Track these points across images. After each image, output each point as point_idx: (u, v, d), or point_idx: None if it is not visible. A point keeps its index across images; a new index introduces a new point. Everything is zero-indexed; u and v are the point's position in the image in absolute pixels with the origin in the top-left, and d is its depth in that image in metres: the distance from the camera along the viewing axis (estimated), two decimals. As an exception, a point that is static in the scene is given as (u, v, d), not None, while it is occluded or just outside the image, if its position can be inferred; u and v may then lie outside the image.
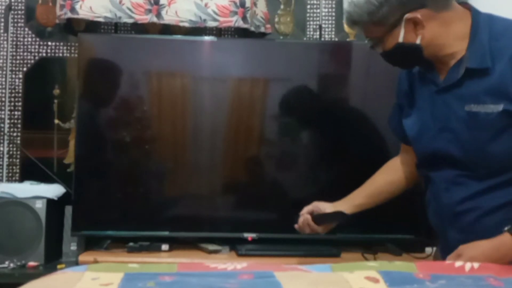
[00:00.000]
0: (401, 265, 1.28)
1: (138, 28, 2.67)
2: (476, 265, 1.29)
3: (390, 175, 1.83)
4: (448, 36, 1.49)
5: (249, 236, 2.45)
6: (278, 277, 1.16)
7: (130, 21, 2.57)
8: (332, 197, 2.56)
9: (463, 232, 1.51)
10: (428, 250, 2.40)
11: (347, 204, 1.82)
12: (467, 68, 1.46)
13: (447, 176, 1.55)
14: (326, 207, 1.83)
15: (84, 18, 2.54)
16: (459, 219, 1.53)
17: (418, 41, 1.49)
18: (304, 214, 1.84)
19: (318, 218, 1.82)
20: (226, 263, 1.25)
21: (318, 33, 2.76)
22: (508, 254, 1.37)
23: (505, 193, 1.47)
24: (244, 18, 2.56)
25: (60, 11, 2.57)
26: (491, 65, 1.44)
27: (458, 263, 1.30)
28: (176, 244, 2.47)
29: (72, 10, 2.52)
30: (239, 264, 1.25)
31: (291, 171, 2.58)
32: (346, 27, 2.76)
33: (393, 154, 2.59)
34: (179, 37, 2.63)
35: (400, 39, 1.49)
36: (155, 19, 2.56)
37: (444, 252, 1.59)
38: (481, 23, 1.51)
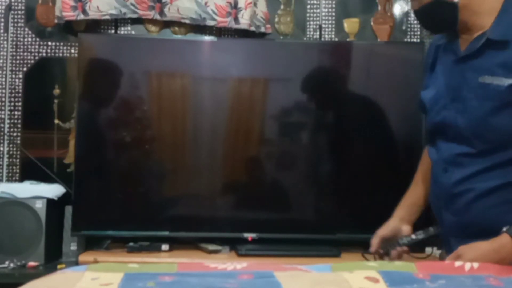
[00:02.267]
0: (401, 265, 1.28)
1: (138, 28, 2.68)
2: (475, 265, 1.29)
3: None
4: (482, 4, 1.51)
5: (249, 236, 2.45)
6: (278, 277, 1.16)
7: (135, 16, 2.60)
8: (332, 197, 2.57)
9: (456, 214, 1.54)
10: (428, 250, 2.40)
11: (408, 221, 1.77)
12: (488, 39, 1.48)
13: (447, 156, 1.56)
14: (406, 229, 1.74)
15: (93, 18, 2.58)
16: (455, 201, 1.54)
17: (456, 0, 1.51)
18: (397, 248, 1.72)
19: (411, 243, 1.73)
20: (226, 263, 1.25)
21: (318, 33, 2.76)
22: (507, 256, 1.37)
23: (501, 175, 1.48)
24: (235, 19, 2.57)
25: (66, 12, 2.58)
26: (510, 39, 1.46)
27: (457, 263, 1.29)
28: (176, 244, 2.47)
29: (84, 12, 2.56)
30: (239, 264, 1.24)
31: (291, 171, 2.58)
32: (346, 27, 2.77)
33: (394, 153, 2.61)
34: (179, 37, 2.64)
35: None
36: (158, 16, 2.59)
37: (443, 236, 1.63)
38: None
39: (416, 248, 2.42)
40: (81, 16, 2.57)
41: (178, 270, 1.22)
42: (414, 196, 1.78)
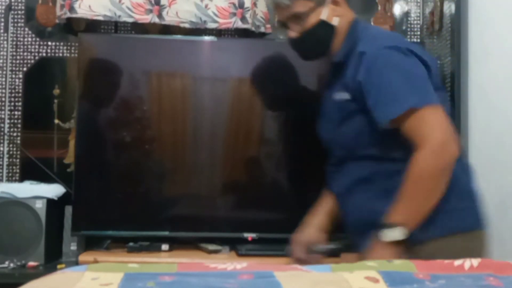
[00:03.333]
0: (401, 265, 1.28)
1: (138, 28, 2.67)
2: (475, 263, 1.29)
3: None
4: (341, 29, 1.70)
5: (249, 236, 2.45)
6: (278, 277, 1.16)
7: (130, 20, 2.57)
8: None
9: (348, 214, 1.74)
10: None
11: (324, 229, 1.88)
12: (333, 63, 1.70)
13: (333, 162, 1.79)
14: (321, 237, 1.86)
15: (83, 17, 2.54)
16: (343, 202, 1.76)
17: (335, 23, 1.69)
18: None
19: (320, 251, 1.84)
20: (226, 263, 1.25)
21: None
22: (384, 255, 1.48)
23: (363, 172, 1.66)
24: (243, 19, 2.56)
25: (60, 11, 2.57)
26: (346, 60, 1.65)
27: (457, 262, 1.30)
28: (176, 244, 2.47)
29: (71, 9, 2.52)
30: (239, 264, 1.25)
31: (291, 171, 2.58)
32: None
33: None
34: (179, 37, 2.63)
35: (323, 17, 1.67)
36: (156, 19, 2.57)
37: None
38: (358, 26, 1.74)
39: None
40: (68, 14, 2.53)
41: (178, 270, 1.22)
42: (329, 203, 1.86)
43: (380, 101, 1.56)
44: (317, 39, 1.68)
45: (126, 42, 2.63)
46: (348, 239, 1.79)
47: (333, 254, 1.91)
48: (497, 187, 2.14)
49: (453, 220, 1.58)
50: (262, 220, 2.50)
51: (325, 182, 2.58)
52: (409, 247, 1.52)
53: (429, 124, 1.53)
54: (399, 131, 1.56)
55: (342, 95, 1.65)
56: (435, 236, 1.56)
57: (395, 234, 1.52)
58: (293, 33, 1.69)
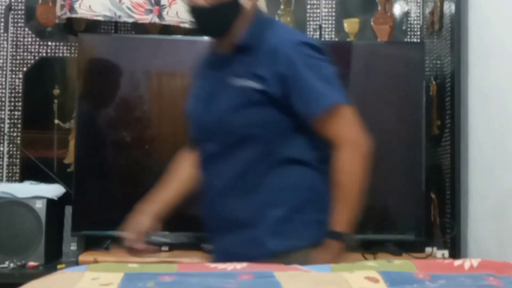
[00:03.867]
0: (401, 265, 1.28)
1: (138, 28, 2.67)
2: (475, 263, 1.29)
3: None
4: (246, 14, 1.60)
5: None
6: (278, 277, 1.16)
7: (130, 20, 2.57)
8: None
9: (219, 211, 1.62)
10: (428, 250, 2.41)
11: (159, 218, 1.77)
12: (237, 45, 1.59)
13: (205, 155, 1.64)
14: (156, 227, 1.74)
15: (83, 17, 2.55)
16: (209, 197, 1.64)
17: (246, 5, 1.58)
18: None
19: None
20: (226, 263, 1.25)
21: (318, 33, 2.76)
22: (337, 255, 1.49)
23: (237, 167, 1.58)
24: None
25: (60, 11, 2.57)
26: (254, 45, 1.57)
27: (457, 262, 1.30)
28: (176, 244, 2.46)
29: (71, 9, 2.52)
30: (239, 264, 1.24)
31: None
32: (346, 27, 2.77)
33: (393, 153, 2.61)
34: (179, 37, 2.63)
35: None
36: (156, 20, 2.57)
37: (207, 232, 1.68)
38: (261, 15, 1.67)
39: (416, 248, 2.44)
40: (68, 14, 2.53)
41: (178, 270, 1.22)
42: (169, 194, 1.79)
43: (310, 96, 1.54)
44: (225, 14, 1.59)
45: (126, 42, 2.63)
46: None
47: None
48: (497, 187, 2.14)
49: (314, 232, 1.56)
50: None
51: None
52: (268, 259, 1.40)
53: (348, 123, 1.56)
54: (307, 130, 1.56)
55: (249, 83, 1.56)
56: (296, 248, 1.53)
57: (345, 241, 1.53)
58: (202, 1, 1.57)
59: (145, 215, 1.73)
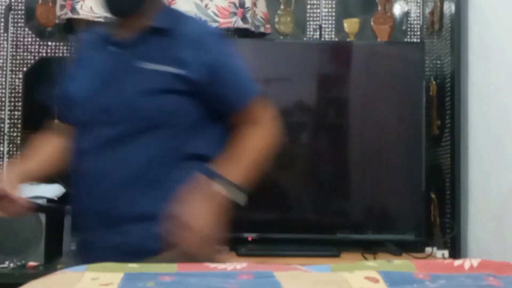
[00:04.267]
0: (400, 265, 1.28)
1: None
2: (475, 263, 1.29)
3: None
4: None
5: (249, 236, 2.45)
6: (278, 277, 1.16)
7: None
8: (331, 197, 2.57)
9: (104, 201, 1.48)
10: (428, 250, 2.41)
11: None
12: (153, 27, 1.53)
13: (99, 142, 1.49)
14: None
15: (85, 18, 2.55)
16: (101, 186, 1.48)
17: None
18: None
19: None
20: (226, 263, 1.25)
21: (318, 33, 2.77)
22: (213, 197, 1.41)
23: (140, 158, 1.47)
24: (243, 18, 2.56)
25: (60, 11, 2.57)
26: (172, 30, 1.52)
27: (457, 262, 1.30)
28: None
29: (73, 10, 2.53)
30: (239, 264, 1.24)
31: (291, 171, 2.58)
32: (346, 27, 2.77)
33: (393, 153, 2.61)
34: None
35: None
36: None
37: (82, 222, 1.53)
38: (168, 5, 1.65)
39: (416, 248, 2.44)
40: (69, 15, 2.53)
41: (178, 270, 1.22)
42: (34, 164, 1.67)
43: (239, 85, 1.55)
44: None
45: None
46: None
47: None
48: (497, 187, 2.14)
49: None
50: (262, 220, 2.50)
51: (325, 182, 2.60)
52: (146, 257, 1.35)
53: (268, 111, 1.60)
54: (215, 125, 1.55)
55: (167, 68, 1.49)
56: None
57: (237, 194, 1.47)
58: None
59: (15, 174, 1.58)
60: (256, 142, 1.55)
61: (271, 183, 2.59)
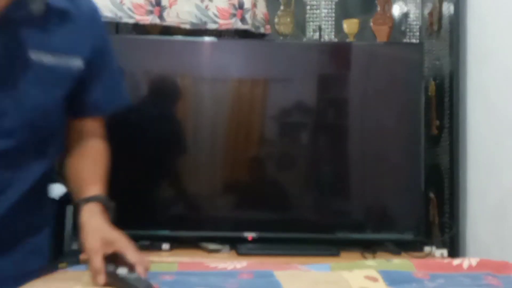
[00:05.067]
0: (400, 264, 1.29)
1: (139, 29, 2.68)
2: (474, 262, 1.30)
3: None
4: None
5: (250, 235, 2.45)
6: (278, 277, 1.17)
7: (131, 21, 2.57)
8: (331, 197, 2.58)
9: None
10: (427, 249, 2.42)
11: None
12: (50, 7, 1.15)
13: None
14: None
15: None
16: None
17: None
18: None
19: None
20: (226, 262, 1.26)
21: (318, 33, 2.77)
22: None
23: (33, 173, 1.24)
24: (242, 19, 2.57)
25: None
26: (70, 11, 1.18)
27: (456, 261, 1.31)
28: (177, 244, 2.47)
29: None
30: (239, 264, 1.26)
31: (291, 171, 2.59)
32: (345, 28, 2.78)
33: (392, 153, 2.62)
34: (179, 37, 2.64)
35: None
36: (157, 20, 2.58)
37: None
38: None
39: (415, 248, 2.45)
40: None
41: (179, 270, 1.23)
42: None
43: (115, 84, 1.33)
44: None
45: (127, 43, 2.63)
46: None
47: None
48: (496, 187, 2.15)
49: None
50: (262, 220, 2.51)
51: (325, 182, 2.60)
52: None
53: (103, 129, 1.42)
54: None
55: (68, 62, 1.19)
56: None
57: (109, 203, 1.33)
58: None
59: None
60: (105, 154, 1.44)
61: (271, 183, 2.60)
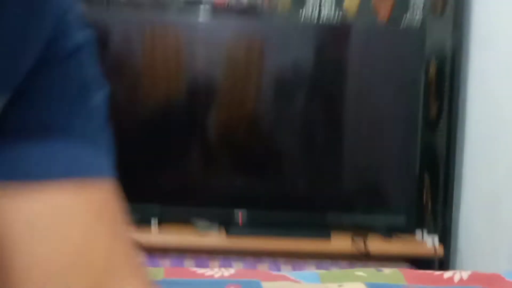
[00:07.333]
0: (390, 276, 1.27)
1: (132, 2, 2.58)
2: (465, 276, 1.28)
3: None
4: None
5: (240, 211, 2.43)
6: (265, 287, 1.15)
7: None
8: (323, 175, 2.54)
9: None
10: (418, 233, 2.41)
11: None
12: None
13: None
14: None
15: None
16: None
17: None
18: None
19: None
20: (213, 269, 1.24)
21: (317, 10, 2.69)
22: None
23: None
24: None
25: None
26: None
27: (447, 274, 1.29)
28: (167, 219, 2.44)
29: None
30: (226, 271, 1.23)
31: (284, 149, 2.56)
32: (345, 4, 2.69)
33: (391, 137, 2.57)
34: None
35: None
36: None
37: None
38: None
39: (407, 230, 2.44)
40: None
41: (165, 277, 1.21)
42: None
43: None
44: None
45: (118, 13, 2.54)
46: None
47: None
48: (492, 175, 2.14)
49: None
50: (254, 195, 2.48)
51: (322, 164, 2.56)
52: None
53: None
54: None
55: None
56: None
57: None
58: None
59: None
60: None
61: (263, 159, 2.57)
